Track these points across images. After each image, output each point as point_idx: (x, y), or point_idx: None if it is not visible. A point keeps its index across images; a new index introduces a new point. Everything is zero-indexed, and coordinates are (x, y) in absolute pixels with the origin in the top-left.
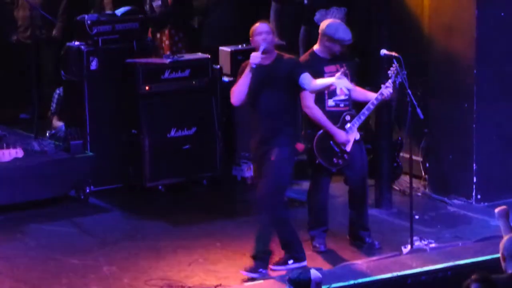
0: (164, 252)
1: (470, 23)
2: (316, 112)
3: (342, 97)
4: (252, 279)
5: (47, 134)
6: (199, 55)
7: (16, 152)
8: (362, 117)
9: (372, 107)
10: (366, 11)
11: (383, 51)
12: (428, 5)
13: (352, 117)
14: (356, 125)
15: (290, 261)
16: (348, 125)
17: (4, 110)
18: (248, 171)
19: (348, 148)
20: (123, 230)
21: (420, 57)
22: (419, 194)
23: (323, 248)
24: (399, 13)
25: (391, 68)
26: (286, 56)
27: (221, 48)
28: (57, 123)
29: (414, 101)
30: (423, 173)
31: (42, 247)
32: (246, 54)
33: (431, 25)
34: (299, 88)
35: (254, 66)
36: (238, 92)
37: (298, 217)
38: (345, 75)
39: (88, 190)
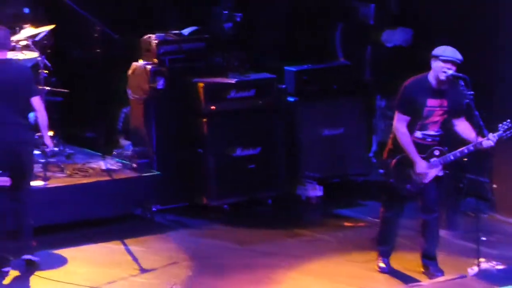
0: (228, 271)
1: None
2: (403, 137)
3: (432, 133)
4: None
5: (114, 152)
6: (265, 74)
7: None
8: (452, 158)
9: (466, 152)
10: (433, 32)
11: (450, 72)
12: (497, 23)
13: (442, 154)
14: (442, 163)
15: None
16: (434, 159)
17: (71, 129)
18: (313, 191)
19: (426, 180)
20: (188, 249)
21: (486, 77)
22: (486, 215)
23: (387, 269)
24: (466, 31)
25: (504, 122)
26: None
27: (286, 68)
28: (124, 142)
29: (481, 122)
30: (489, 195)
31: (108, 264)
32: (311, 73)
33: (500, 44)
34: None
35: None
36: None
37: (362, 236)
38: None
39: (154, 209)
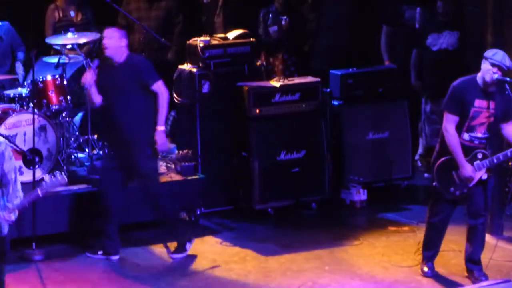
0: (273, 274)
1: None
2: (451, 139)
3: (479, 135)
4: None
5: (159, 156)
6: (309, 78)
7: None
8: (495, 161)
9: (510, 155)
10: (480, 35)
11: (496, 76)
12: None
13: (485, 157)
14: (486, 166)
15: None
16: (478, 162)
17: None
18: (357, 195)
19: (470, 184)
20: (232, 252)
21: None
22: None
23: (430, 273)
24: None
25: None
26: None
27: (331, 71)
28: (170, 145)
29: None
30: None
31: (152, 268)
32: (356, 77)
33: None
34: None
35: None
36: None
37: (407, 240)
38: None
39: (198, 212)
